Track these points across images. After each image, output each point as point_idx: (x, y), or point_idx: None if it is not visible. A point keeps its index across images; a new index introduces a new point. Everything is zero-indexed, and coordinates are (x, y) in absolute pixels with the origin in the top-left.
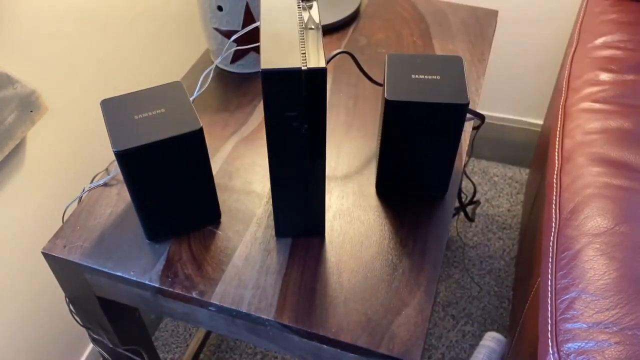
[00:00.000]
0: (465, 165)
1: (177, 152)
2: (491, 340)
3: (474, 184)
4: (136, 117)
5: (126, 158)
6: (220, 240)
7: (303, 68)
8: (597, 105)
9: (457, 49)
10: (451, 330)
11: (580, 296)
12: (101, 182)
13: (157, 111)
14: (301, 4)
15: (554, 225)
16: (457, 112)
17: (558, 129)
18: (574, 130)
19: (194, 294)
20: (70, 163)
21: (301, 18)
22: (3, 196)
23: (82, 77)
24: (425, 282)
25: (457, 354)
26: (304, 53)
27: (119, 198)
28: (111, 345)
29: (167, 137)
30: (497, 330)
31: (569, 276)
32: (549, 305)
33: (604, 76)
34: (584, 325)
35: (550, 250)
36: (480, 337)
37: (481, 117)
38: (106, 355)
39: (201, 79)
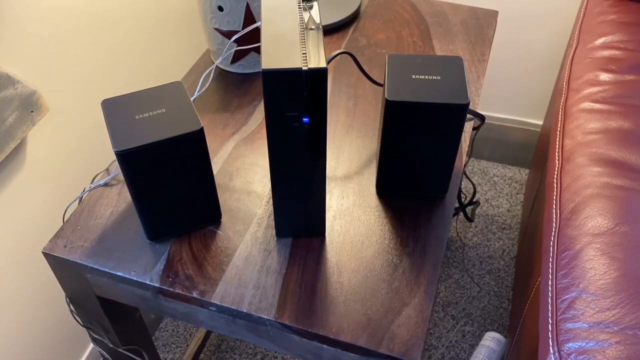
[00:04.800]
0: (465, 166)
1: (178, 152)
2: (491, 340)
3: (473, 184)
4: (137, 117)
5: (127, 158)
6: (221, 240)
7: (304, 68)
8: (597, 106)
9: (457, 49)
10: (451, 330)
11: (580, 296)
12: (102, 182)
13: (158, 111)
14: (302, 4)
15: (554, 225)
16: (458, 112)
17: (558, 129)
18: (574, 131)
19: (195, 294)
20: (71, 163)
21: (302, 18)
22: (4, 196)
23: (83, 77)
24: (425, 282)
25: (457, 354)
26: (305, 53)
27: (120, 198)
28: (111, 345)
29: (168, 137)
30: (497, 330)
31: (570, 276)
32: (549, 305)
33: (604, 76)
34: (585, 325)
35: (551, 250)
36: (480, 337)
37: (481, 118)
38: (106, 355)
39: (202, 79)
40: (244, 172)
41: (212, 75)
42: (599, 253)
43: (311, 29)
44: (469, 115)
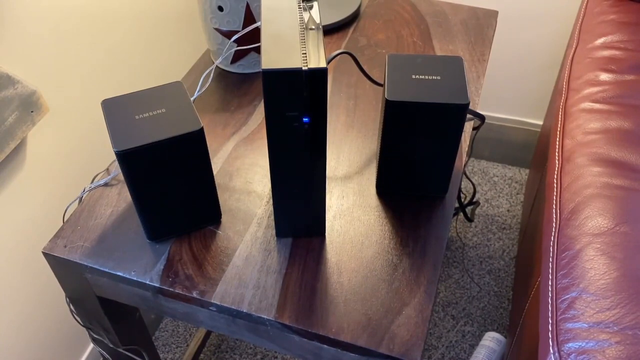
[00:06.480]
0: (465, 166)
1: (178, 152)
2: (491, 340)
3: (473, 184)
4: (137, 117)
5: (127, 158)
6: (221, 240)
7: (304, 68)
8: (597, 106)
9: (457, 49)
10: (451, 330)
11: (580, 296)
12: (102, 182)
13: (158, 111)
14: (302, 4)
15: (554, 225)
16: (458, 112)
17: (558, 129)
18: (574, 131)
19: (195, 294)
20: (71, 163)
21: (302, 18)
22: (4, 196)
23: (83, 77)
24: (425, 282)
25: (457, 354)
26: (305, 53)
27: (120, 198)
28: (111, 345)
29: (168, 137)
30: (497, 330)
31: (570, 276)
32: (549, 305)
33: (604, 76)
34: (585, 325)
35: (551, 250)
36: (480, 337)
37: (481, 118)
38: (106, 355)
39: (202, 79)
40: (244, 172)
41: (212, 75)
42: (599, 253)
43: (311, 29)
44: (469, 115)
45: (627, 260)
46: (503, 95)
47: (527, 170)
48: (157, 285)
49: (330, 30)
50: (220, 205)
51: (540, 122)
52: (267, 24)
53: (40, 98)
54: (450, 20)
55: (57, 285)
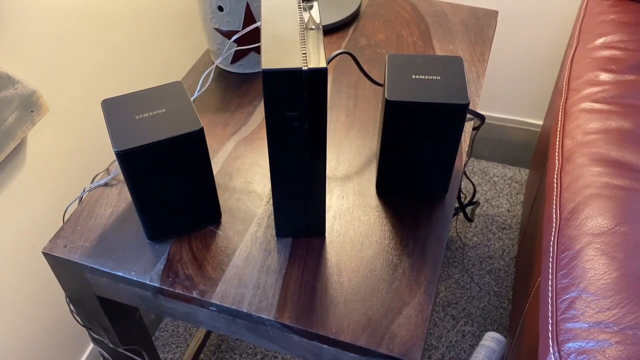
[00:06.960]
0: (465, 166)
1: (178, 152)
2: (491, 340)
3: (473, 184)
4: (137, 117)
5: (127, 158)
6: (221, 240)
7: (304, 68)
8: (597, 106)
9: (457, 49)
10: (451, 330)
11: (580, 296)
12: (102, 182)
13: (158, 111)
14: (302, 4)
15: (554, 225)
16: (458, 112)
17: (558, 129)
18: (574, 131)
19: (195, 294)
20: (71, 163)
21: (302, 18)
22: (4, 196)
23: (83, 77)
24: (425, 282)
25: (457, 354)
26: (305, 53)
27: (120, 198)
28: (111, 345)
29: (168, 137)
30: (497, 330)
31: (570, 276)
32: (549, 305)
33: (604, 76)
34: (585, 325)
35: (551, 250)
36: (480, 337)
37: (481, 118)
38: (106, 355)
39: (202, 79)
40: (244, 172)
41: (212, 75)
42: (599, 253)
43: (311, 29)
44: (469, 115)
45: (627, 260)
46: (503, 95)
47: (527, 170)
48: (157, 285)
49: (330, 30)
50: (220, 205)
51: (540, 122)
52: (267, 24)
53: (40, 98)
54: (450, 20)
55: (57, 285)
